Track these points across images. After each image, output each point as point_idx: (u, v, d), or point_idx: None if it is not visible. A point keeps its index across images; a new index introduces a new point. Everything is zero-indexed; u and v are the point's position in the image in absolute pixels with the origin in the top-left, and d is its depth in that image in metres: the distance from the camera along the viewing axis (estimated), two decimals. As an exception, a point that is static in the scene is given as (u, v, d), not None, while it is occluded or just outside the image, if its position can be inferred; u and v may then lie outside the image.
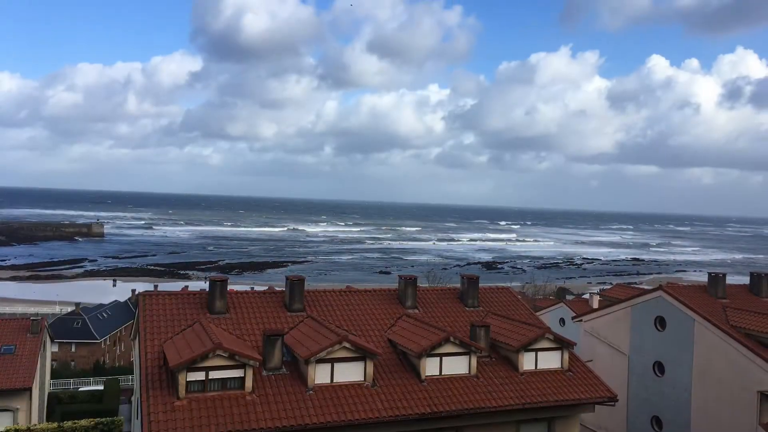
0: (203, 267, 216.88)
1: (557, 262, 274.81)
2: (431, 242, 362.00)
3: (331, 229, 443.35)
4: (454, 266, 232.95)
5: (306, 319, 31.50)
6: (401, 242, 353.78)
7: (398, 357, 30.25)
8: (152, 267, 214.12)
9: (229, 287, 34.21)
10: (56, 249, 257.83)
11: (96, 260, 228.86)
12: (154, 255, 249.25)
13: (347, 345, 27.08)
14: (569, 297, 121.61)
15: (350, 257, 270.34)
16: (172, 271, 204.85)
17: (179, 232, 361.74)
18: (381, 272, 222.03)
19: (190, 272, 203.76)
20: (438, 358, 29.12)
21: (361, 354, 27.50)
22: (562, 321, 70.19)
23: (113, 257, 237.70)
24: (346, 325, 32.04)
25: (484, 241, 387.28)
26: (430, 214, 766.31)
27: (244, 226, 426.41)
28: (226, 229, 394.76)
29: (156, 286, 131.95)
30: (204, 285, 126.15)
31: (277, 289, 37.40)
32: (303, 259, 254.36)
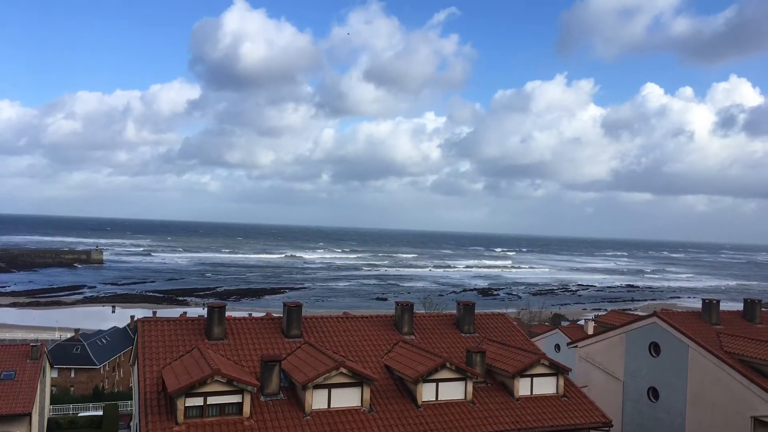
0: (201, 293, 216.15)
1: (552, 289, 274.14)
2: (427, 269, 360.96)
3: (328, 255, 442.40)
4: (450, 293, 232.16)
5: (303, 345, 31.81)
6: (398, 269, 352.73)
7: (395, 383, 30.56)
8: (151, 293, 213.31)
9: (227, 313, 34.62)
10: (56, 275, 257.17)
11: (95, 287, 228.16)
12: (152, 281, 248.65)
13: (344, 371, 27.39)
14: (564, 323, 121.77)
15: (347, 284, 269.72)
16: (170, 298, 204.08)
17: (178, 258, 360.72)
18: (378, 298, 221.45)
19: (189, 299, 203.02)
20: (434, 384, 29.46)
21: (358, 380, 27.83)
22: (557, 347, 70.42)
23: (112, 284, 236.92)
24: (343, 351, 32.35)
25: (479, 267, 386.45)
26: (426, 241, 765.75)
27: (242, 253, 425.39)
28: (225, 256, 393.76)
29: (155, 313, 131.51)
30: (202, 311, 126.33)
31: (274, 315, 37.69)
32: (300, 286, 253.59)
